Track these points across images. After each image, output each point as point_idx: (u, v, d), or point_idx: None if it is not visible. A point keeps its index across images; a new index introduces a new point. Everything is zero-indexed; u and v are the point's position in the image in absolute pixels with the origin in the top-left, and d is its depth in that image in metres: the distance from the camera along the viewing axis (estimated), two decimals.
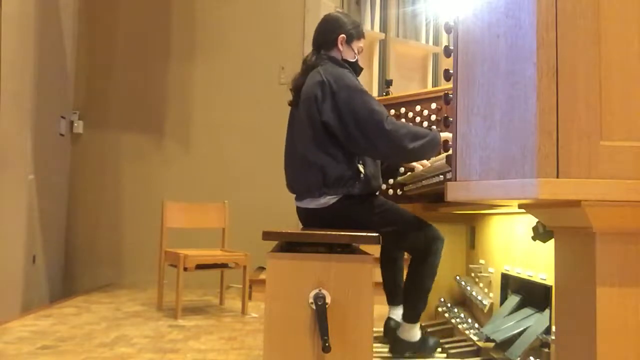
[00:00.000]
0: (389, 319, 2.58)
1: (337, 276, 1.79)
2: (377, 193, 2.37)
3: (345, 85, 2.17)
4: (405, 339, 2.34)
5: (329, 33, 2.34)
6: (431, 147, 2.15)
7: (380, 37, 6.09)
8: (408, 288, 2.34)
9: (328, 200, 2.19)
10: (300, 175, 2.26)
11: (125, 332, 3.14)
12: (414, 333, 2.35)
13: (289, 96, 2.41)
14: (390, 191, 2.77)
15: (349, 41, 2.33)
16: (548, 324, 1.81)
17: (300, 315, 1.78)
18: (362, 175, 2.20)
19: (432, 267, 2.27)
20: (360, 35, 2.37)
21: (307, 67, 2.32)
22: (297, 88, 2.32)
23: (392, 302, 2.62)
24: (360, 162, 2.23)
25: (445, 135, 2.14)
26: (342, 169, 2.18)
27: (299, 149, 2.27)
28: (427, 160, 2.33)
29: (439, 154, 2.26)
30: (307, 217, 2.29)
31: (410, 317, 2.33)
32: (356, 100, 2.14)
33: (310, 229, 2.00)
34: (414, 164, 2.47)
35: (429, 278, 2.28)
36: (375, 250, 1.96)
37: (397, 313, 2.52)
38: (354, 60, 2.35)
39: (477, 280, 2.65)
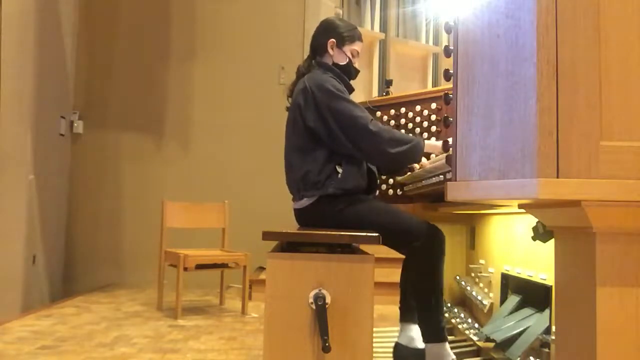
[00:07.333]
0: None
1: (337, 276, 1.79)
2: (372, 194, 2.36)
3: (326, 90, 2.20)
4: None
5: (321, 37, 2.39)
6: (413, 154, 2.17)
7: (380, 37, 6.09)
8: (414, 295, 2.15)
9: (305, 202, 2.24)
10: (289, 178, 2.33)
11: (125, 332, 3.14)
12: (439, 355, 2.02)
13: None
14: (390, 191, 2.77)
15: (340, 45, 2.35)
16: (548, 324, 1.81)
17: (300, 315, 1.77)
18: (339, 175, 2.19)
19: (422, 266, 2.09)
20: (354, 38, 2.38)
21: (299, 74, 2.38)
22: (290, 95, 2.39)
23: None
24: (343, 162, 2.20)
25: (436, 143, 2.20)
26: (321, 172, 2.20)
27: (285, 153, 2.34)
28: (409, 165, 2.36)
29: (441, 152, 2.25)
30: (296, 217, 2.35)
31: (426, 333, 2.08)
32: (337, 104, 2.18)
33: (310, 229, 2.00)
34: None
35: (426, 279, 2.07)
36: (375, 250, 1.95)
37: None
38: (344, 63, 2.36)
39: (477, 280, 2.65)
